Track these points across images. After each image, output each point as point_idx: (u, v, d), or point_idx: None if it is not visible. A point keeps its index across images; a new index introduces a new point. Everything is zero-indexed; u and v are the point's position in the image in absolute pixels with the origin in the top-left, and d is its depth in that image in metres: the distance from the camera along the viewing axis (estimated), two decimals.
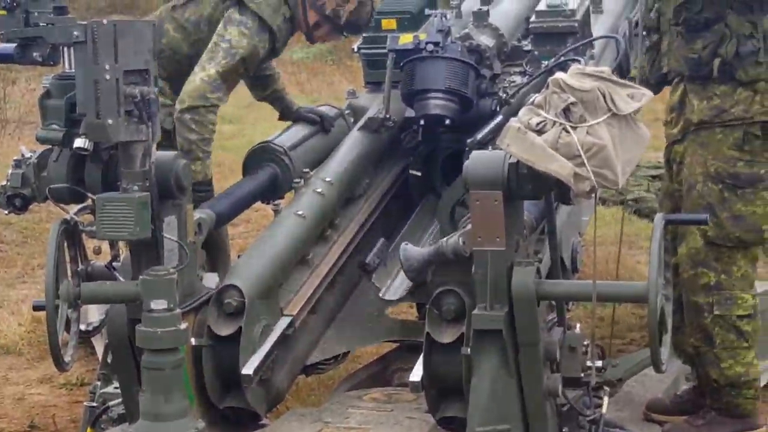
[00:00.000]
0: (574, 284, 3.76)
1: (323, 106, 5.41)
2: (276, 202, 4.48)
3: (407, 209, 5.01)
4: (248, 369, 3.66)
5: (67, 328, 3.45)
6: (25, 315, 6.78)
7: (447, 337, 3.40)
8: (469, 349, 3.29)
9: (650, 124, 3.41)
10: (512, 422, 3.23)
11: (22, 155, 3.52)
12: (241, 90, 5.42)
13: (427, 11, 5.44)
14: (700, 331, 4.28)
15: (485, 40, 5.11)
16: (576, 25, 5.43)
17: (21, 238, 9.11)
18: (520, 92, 4.77)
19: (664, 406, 4.40)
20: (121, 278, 3.47)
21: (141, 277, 3.13)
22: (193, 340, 3.52)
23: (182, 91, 4.84)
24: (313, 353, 4.19)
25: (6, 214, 3.56)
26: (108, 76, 3.11)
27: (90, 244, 3.54)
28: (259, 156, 4.73)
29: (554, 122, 3.14)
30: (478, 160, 3.27)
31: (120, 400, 3.83)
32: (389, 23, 5.33)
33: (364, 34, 5.50)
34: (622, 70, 6.10)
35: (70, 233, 3.45)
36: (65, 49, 3.39)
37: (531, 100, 3.34)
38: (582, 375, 3.41)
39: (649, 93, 3.25)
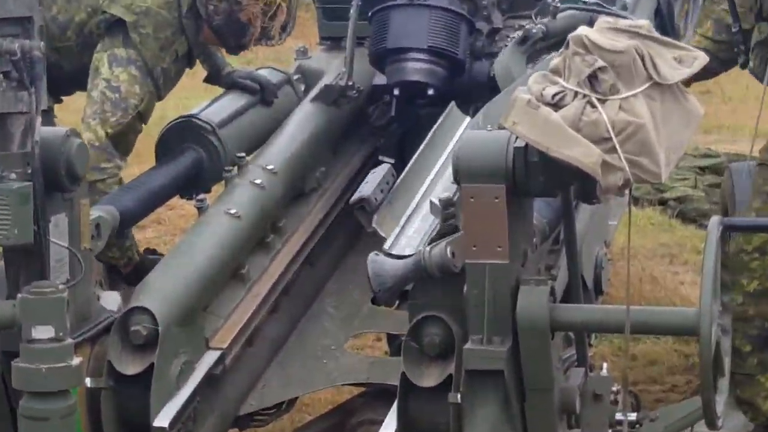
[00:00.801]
0: (599, 310, 3.72)
1: (264, 69, 5.40)
2: (200, 197, 4.46)
3: None
4: (162, 420, 3.65)
5: None
6: None
7: (429, 379, 3.39)
8: (459, 396, 3.28)
9: (700, 98, 3.40)
10: None
11: None
12: None
13: None
14: None
15: None
16: None
17: None
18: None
19: None
20: None
21: (19, 295, 3.12)
22: (88, 381, 3.52)
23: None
24: (248, 399, 4.18)
25: None
26: None
27: None
28: (178, 135, 4.73)
29: (576, 93, 3.14)
30: (472, 143, 3.25)
31: None
32: None
33: None
34: (664, 24, 6.18)
35: None
36: None
37: (545, 62, 3.36)
38: (613, 429, 3.41)
39: (703, 55, 3.25)
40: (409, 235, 3.62)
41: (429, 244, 3.43)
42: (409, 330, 3.43)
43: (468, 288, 3.23)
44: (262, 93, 5.03)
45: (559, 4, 5.11)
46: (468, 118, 4.30)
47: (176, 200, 4.86)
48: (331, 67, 5.05)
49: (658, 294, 7.22)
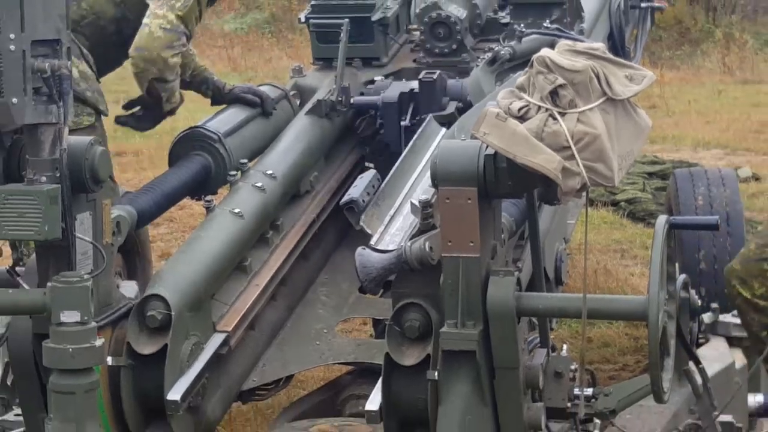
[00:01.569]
0: (559, 298, 3.74)
1: (264, 86, 5.40)
2: (208, 198, 4.46)
3: None
4: (174, 394, 3.66)
5: None
6: None
7: (410, 358, 3.38)
8: (436, 373, 3.28)
9: (648, 112, 3.42)
10: None
11: None
12: None
13: None
14: None
15: (455, 10, 5.16)
16: None
17: None
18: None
19: None
20: (26, 285, 3.45)
21: (49, 284, 3.14)
22: (109, 360, 3.52)
23: (138, 43, 4.86)
24: (250, 376, 4.18)
25: None
26: (13, 47, 3.10)
27: None
28: (187, 143, 4.72)
29: (539, 107, 3.16)
30: (448, 151, 3.25)
31: (22, 430, 3.83)
32: None
33: (312, 1, 5.50)
34: (616, 46, 6.20)
35: None
36: None
37: (512, 80, 3.37)
38: (569, 405, 3.41)
39: (650, 74, 3.27)
40: (392, 232, 3.62)
41: (410, 239, 3.44)
42: (392, 315, 3.43)
43: (444, 278, 3.24)
44: (262, 106, 5.03)
45: (524, 29, 5.13)
46: (444, 129, 4.31)
47: (186, 201, 4.86)
48: (323, 85, 5.05)
49: (611, 284, 7.24)
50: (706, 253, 5.80)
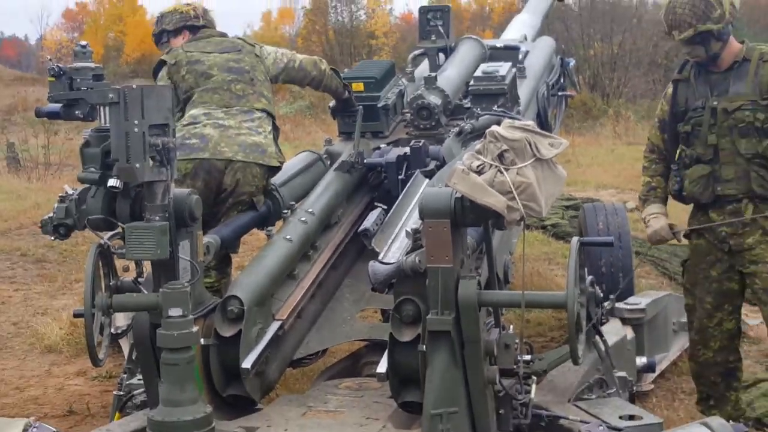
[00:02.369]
0: (507, 294, 3.73)
1: (305, 152, 5.39)
2: (268, 228, 4.45)
3: None
4: (247, 364, 3.64)
5: (101, 332, 3.42)
6: (65, 320, 6.77)
7: (407, 336, 3.36)
8: (424, 347, 3.26)
9: (564, 166, 3.41)
10: (459, 405, 3.20)
11: (66, 192, 3.50)
12: None
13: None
14: None
15: (434, 99, 5.15)
16: (506, 87, 5.49)
17: (61, 258, 9.09)
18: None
19: None
20: (145, 291, 3.43)
21: (161, 289, 3.13)
22: (202, 341, 3.49)
23: (310, 63, 5.04)
24: (298, 350, 4.15)
25: (51, 240, 3.53)
26: (136, 129, 3.10)
27: (120, 263, 3.52)
28: None
29: (491, 165, 3.13)
30: (430, 196, 3.25)
31: (143, 389, 3.80)
32: (358, 86, 5.33)
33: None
34: (544, 122, 6.20)
35: (104, 255, 3.43)
36: (102, 107, 3.38)
37: (473, 146, 3.36)
38: (514, 367, 3.37)
39: (565, 142, 3.24)
40: (393, 250, 3.59)
41: (405, 255, 3.42)
42: (394, 307, 3.41)
43: (429, 282, 3.21)
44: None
45: (480, 112, 5.12)
46: (427, 180, 4.31)
47: (254, 231, 4.83)
48: (345, 150, 5.03)
49: (542, 283, 7.23)
50: (605, 261, 5.78)
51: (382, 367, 3.51)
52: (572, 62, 7.46)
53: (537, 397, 3.49)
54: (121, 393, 4.07)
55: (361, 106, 5.19)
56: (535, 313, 6.32)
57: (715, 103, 4.15)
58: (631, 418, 3.43)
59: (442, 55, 6.25)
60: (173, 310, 3.06)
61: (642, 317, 4.98)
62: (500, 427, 3.40)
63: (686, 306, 4.54)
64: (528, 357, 3.45)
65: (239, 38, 5.08)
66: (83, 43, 3.56)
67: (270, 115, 4.81)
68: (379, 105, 5.32)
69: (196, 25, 4.96)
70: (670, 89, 4.37)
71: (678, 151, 4.35)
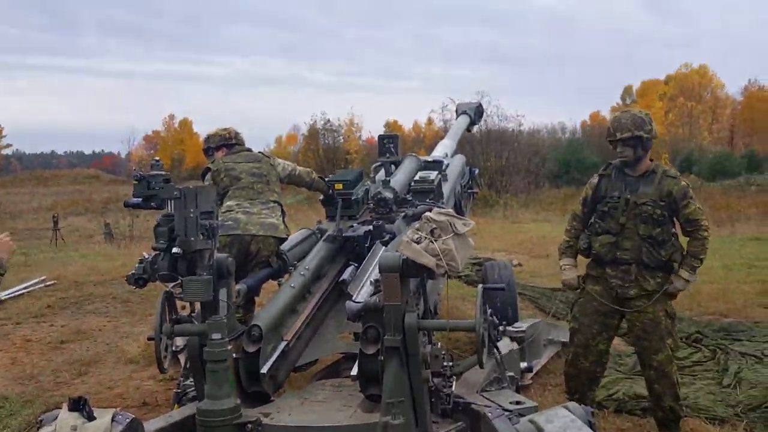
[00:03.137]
0: (437, 321, 3.68)
1: (303, 229, 5.37)
2: (280, 280, 4.41)
3: None
4: (264, 369, 3.58)
5: (165, 349, 3.34)
6: (142, 342, 6.65)
7: (371, 350, 3.31)
8: (382, 357, 3.21)
9: (473, 237, 3.41)
10: (405, 396, 3.15)
11: (144, 256, 3.44)
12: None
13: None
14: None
15: (388, 194, 5.17)
16: (434, 187, 5.53)
17: (139, 300, 8.98)
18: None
19: None
20: (196, 322, 3.36)
21: (207, 321, 3.08)
22: (234, 355, 3.41)
23: (305, 173, 5.07)
24: (298, 360, 4.06)
25: (133, 288, 3.47)
26: (192, 215, 3.08)
27: (179, 304, 3.45)
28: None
29: (426, 237, 3.14)
30: (386, 257, 3.22)
31: (194, 388, 3.69)
32: (338, 186, 5.34)
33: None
34: (459, 210, 6.23)
35: (169, 298, 3.37)
36: (169, 201, 3.34)
37: (413, 225, 3.36)
38: (441, 370, 3.34)
39: (473, 222, 3.26)
40: (362, 293, 3.57)
41: (370, 296, 3.39)
42: (362, 331, 3.36)
43: (385, 314, 3.17)
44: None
45: (417, 203, 5.16)
46: (384, 248, 4.29)
47: (270, 281, 4.77)
48: (330, 227, 5.01)
49: (459, 314, 7.20)
50: (499, 299, 5.76)
51: (354, 371, 3.45)
52: (476, 170, 7.56)
53: (456, 390, 3.45)
54: (179, 390, 3.96)
55: (340, 199, 5.20)
56: (454, 334, 6.28)
57: (629, 196, 4.06)
58: (518, 403, 3.40)
59: (393, 166, 6.31)
60: (215, 335, 3.01)
61: (523, 336, 4.97)
62: (432, 411, 3.35)
63: (571, 329, 4.35)
64: (450, 363, 3.42)
65: (260, 152, 5.11)
66: (157, 158, 3.55)
67: (280, 204, 4.83)
68: (353, 198, 5.33)
69: (230, 143, 5.01)
70: (595, 180, 4.23)
71: (591, 222, 4.25)
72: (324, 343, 4.23)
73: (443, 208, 4.14)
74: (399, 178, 5.69)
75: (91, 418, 2.83)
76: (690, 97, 55.48)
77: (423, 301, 3.62)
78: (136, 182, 3.45)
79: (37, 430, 2.89)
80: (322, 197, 5.44)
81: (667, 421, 4.16)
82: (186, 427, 3.31)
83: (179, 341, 4.52)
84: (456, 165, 6.78)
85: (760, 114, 53.22)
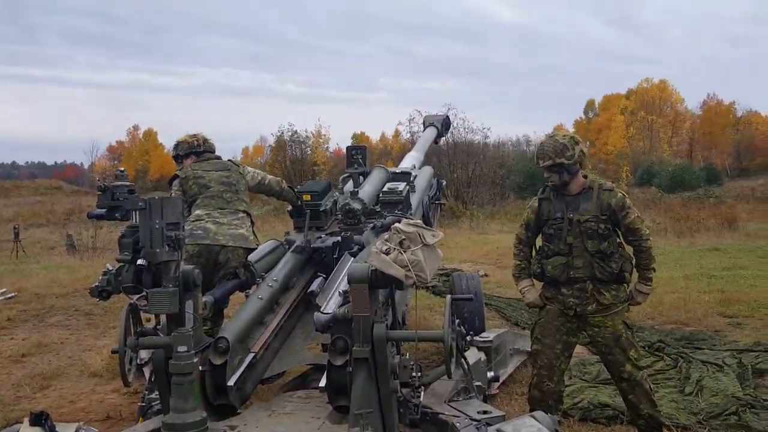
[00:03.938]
0: (405, 332, 3.67)
1: (271, 240, 5.33)
2: (247, 291, 4.37)
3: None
4: (231, 382, 3.53)
5: (130, 362, 3.28)
6: (105, 355, 6.54)
7: (339, 361, 3.30)
8: (350, 368, 3.21)
9: (442, 249, 3.42)
10: (374, 407, 3.14)
11: (107, 268, 3.40)
12: None
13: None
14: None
15: (357, 205, 5.16)
16: (402, 198, 5.55)
17: (102, 312, 8.85)
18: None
19: None
20: (161, 335, 3.31)
21: (172, 333, 3.04)
22: (200, 368, 3.37)
23: (275, 182, 5.01)
24: (266, 372, 4.03)
25: (97, 301, 3.41)
26: (157, 226, 3.04)
27: (144, 316, 3.40)
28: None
29: (394, 248, 3.15)
30: (355, 268, 3.22)
31: (159, 401, 3.63)
32: (307, 197, 5.33)
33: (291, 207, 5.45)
34: (427, 221, 6.25)
35: (133, 310, 3.32)
36: (134, 212, 3.30)
37: (382, 236, 3.36)
38: (410, 380, 3.34)
39: (442, 234, 3.28)
40: (331, 304, 3.55)
41: (339, 308, 3.38)
42: (330, 342, 3.34)
43: (354, 325, 3.17)
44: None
45: (386, 214, 5.17)
46: (353, 258, 4.28)
47: (237, 293, 4.72)
48: (298, 239, 4.99)
49: (427, 324, 7.19)
50: (467, 309, 5.79)
51: (322, 382, 3.43)
52: (444, 182, 7.60)
53: (424, 400, 3.44)
54: (144, 404, 3.89)
55: (308, 210, 5.18)
56: (421, 344, 6.27)
57: (571, 215, 4.07)
58: (485, 413, 3.40)
59: (361, 177, 6.31)
60: (181, 348, 2.97)
61: (490, 345, 4.98)
62: (401, 421, 3.34)
63: (533, 350, 4.29)
64: (419, 374, 3.41)
65: (230, 160, 5.06)
66: (121, 168, 3.52)
67: (249, 214, 4.79)
68: (321, 209, 5.32)
69: (199, 150, 4.95)
70: (535, 204, 4.23)
71: (540, 246, 4.25)
72: (292, 355, 4.19)
73: (411, 219, 4.16)
74: (367, 190, 5.70)
75: None
76: (651, 111, 56.74)
77: (391, 312, 3.62)
78: (100, 193, 3.40)
79: None
80: (290, 208, 5.41)
81: (649, 428, 4.18)
82: None
83: (144, 354, 4.45)
84: (424, 176, 6.81)
85: (718, 128, 54.62)
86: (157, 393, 3.75)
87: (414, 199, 6.01)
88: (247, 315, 3.96)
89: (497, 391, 5.27)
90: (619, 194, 4.12)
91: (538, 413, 3.09)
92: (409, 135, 34.79)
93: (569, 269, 4.10)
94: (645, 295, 4.20)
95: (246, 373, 3.70)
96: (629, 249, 4.17)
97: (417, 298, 3.95)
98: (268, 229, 18.39)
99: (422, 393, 3.43)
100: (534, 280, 4.30)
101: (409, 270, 3.09)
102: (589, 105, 66.86)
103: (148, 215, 3.05)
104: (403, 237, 3.15)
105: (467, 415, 3.36)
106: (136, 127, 71.39)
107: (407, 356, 3.48)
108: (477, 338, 4.92)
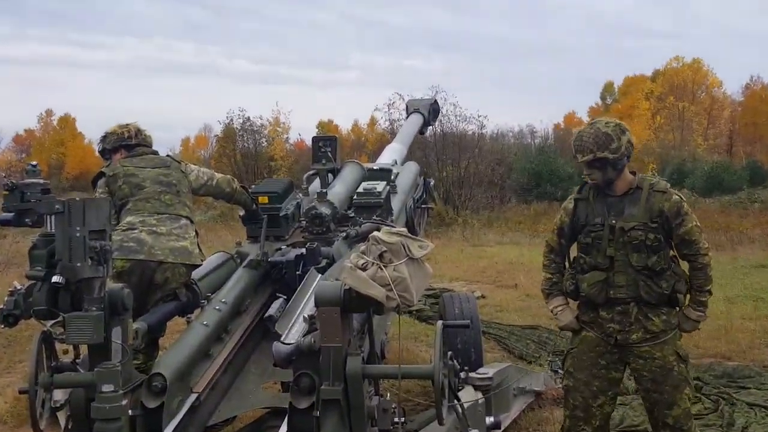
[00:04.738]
0: (386, 367, 3.67)
1: (218, 252, 5.28)
2: (189, 315, 4.34)
3: None
4: (168, 430, 3.48)
5: (42, 405, 3.24)
6: (9, 396, 6.43)
7: (304, 404, 3.28)
8: (318, 412, 3.19)
9: (431, 264, 3.43)
10: None
11: (15, 287, 3.35)
12: None
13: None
14: None
15: (325, 210, 5.16)
16: (382, 201, 5.57)
17: (6, 342, 8.71)
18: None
19: None
20: (82, 370, 3.28)
21: (96, 369, 3.00)
22: (130, 412, 3.32)
23: (224, 182, 5.01)
24: (211, 417, 3.97)
25: (2, 328, 3.35)
26: (78, 234, 3.01)
27: (60, 347, 3.36)
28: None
29: (373, 263, 3.15)
30: (324, 288, 3.23)
31: None
32: (263, 199, 5.32)
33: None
34: (411, 228, 6.27)
35: (47, 340, 3.27)
36: (48, 216, 3.27)
37: (357, 248, 3.36)
38: (391, 427, 3.32)
39: (431, 245, 3.28)
40: (293, 333, 3.54)
41: (303, 337, 3.37)
42: (293, 380, 3.33)
43: (322, 358, 3.17)
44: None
45: (362, 221, 5.17)
46: (320, 275, 4.27)
47: (176, 318, 4.68)
48: (252, 251, 4.98)
49: (411, 357, 7.19)
50: (460, 339, 5.79)
51: (283, 430, 3.39)
52: (431, 181, 7.63)
53: None
54: None
55: (265, 215, 5.17)
56: (406, 383, 6.26)
57: (614, 221, 4.01)
58: None
59: (330, 175, 6.30)
60: (106, 387, 2.95)
61: (490, 384, 4.98)
62: None
63: (564, 386, 4.25)
64: (402, 419, 3.39)
65: (169, 156, 5.01)
66: (33, 163, 3.48)
67: (192, 221, 4.75)
68: (281, 214, 5.31)
69: (130, 144, 4.89)
70: (570, 205, 4.18)
71: (574, 257, 4.20)
72: (244, 396, 4.14)
73: (393, 226, 4.15)
74: (338, 190, 5.69)
75: None
76: (681, 96, 57.39)
77: (369, 342, 3.61)
78: (6, 193, 3.36)
79: None
80: (242, 213, 5.37)
81: None
82: None
83: (59, 395, 4.38)
84: (408, 174, 6.83)
85: (764, 117, 55.12)
86: None
87: (396, 202, 6.02)
88: (189, 346, 3.92)
89: None
90: (675, 197, 4.04)
91: None
92: (388, 123, 34.85)
93: (609, 288, 4.03)
94: (695, 323, 4.11)
95: (187, 418, 3.65)
96: (684, 264, 4.11)
97: (400, 324, 3.94)
98: (213, 239, 18.27)
99: None
100: (566, 298, 4.26)
101: (391, 290, 3.09)
102: (608, 89, 67.61)
103: (67, 221, 3.00)
104: (384, 249, 3.14)
105: None
106: (49, 113, 70.65)
107: (388, 397, 3.46)
108: (473, 375, 4.92)
